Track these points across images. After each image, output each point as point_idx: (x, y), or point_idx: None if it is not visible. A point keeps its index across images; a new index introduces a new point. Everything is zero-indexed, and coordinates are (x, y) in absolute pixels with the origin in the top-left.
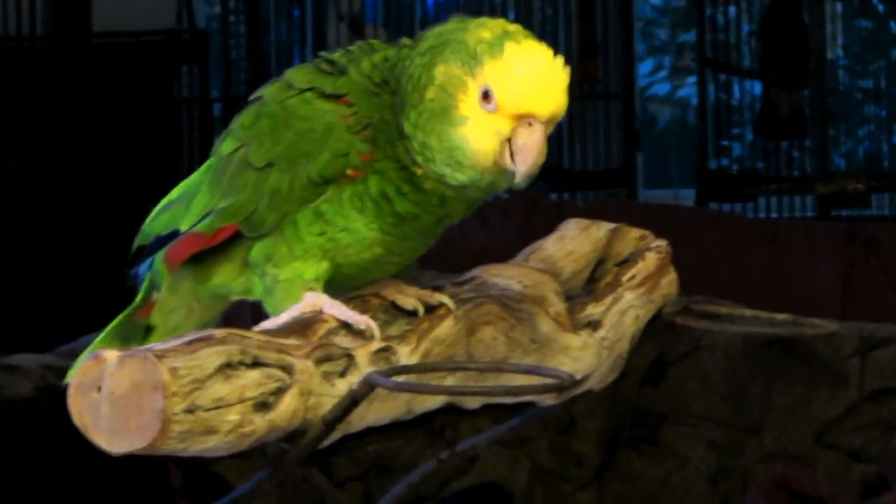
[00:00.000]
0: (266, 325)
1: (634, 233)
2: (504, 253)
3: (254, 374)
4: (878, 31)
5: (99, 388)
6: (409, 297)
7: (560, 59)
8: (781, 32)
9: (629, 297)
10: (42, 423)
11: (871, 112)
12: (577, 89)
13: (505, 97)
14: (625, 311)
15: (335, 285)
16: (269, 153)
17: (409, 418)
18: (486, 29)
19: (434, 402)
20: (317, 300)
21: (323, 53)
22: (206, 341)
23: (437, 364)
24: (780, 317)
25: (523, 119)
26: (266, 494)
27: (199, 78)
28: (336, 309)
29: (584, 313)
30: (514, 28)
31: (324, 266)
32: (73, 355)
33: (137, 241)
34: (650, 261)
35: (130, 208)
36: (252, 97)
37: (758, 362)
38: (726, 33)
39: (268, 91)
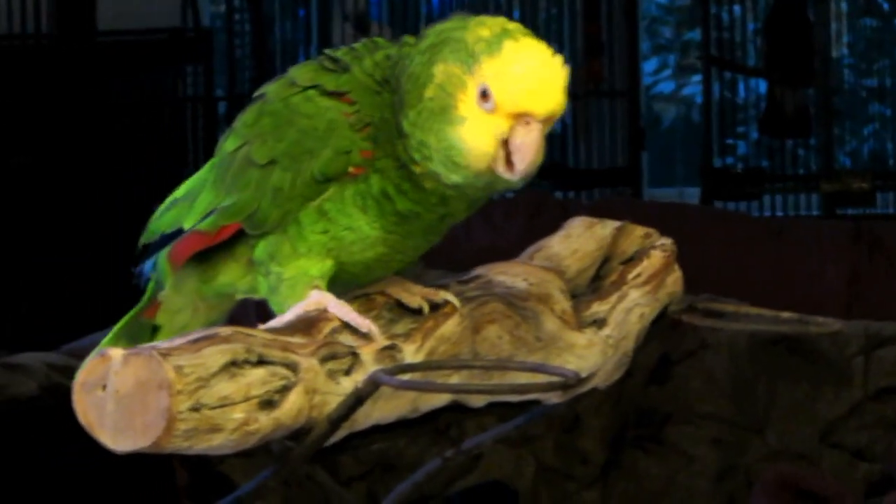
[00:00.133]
0: (271, 323)
1: (639, 231)
2: (509, 251)
3: (259, 373)
4: (883, 29)
5: (104, 387)
6: (414, 296)
7: (559, 58)
8: (786, 31)
9: (634, 295)
10: (47, 421)
11: (876, 110)
12: (582, 88)
13: (502, 95)
14: (630, 310)
15: (339, 283)
16: (271, 151)
17: (414, 416)
18: (485, 27)
19: (439, 400)
20: (321, 298)
21: (327, 51)
22: (211, 339)
23: (443, 362)
24: (785, 315)
25: (521, 117)
26: (271, 493)
27: (204, 77)
28: (340, 309)
29: (589, 311)
30: (514, 26)
31: (328, 264)
32: (78, 354)
33: (143, 239)
34: (655, 259)
35: (134, 207)
36: (255, 95)
37: (762, 361)
38: (731, 32)
39: (271, 89)
